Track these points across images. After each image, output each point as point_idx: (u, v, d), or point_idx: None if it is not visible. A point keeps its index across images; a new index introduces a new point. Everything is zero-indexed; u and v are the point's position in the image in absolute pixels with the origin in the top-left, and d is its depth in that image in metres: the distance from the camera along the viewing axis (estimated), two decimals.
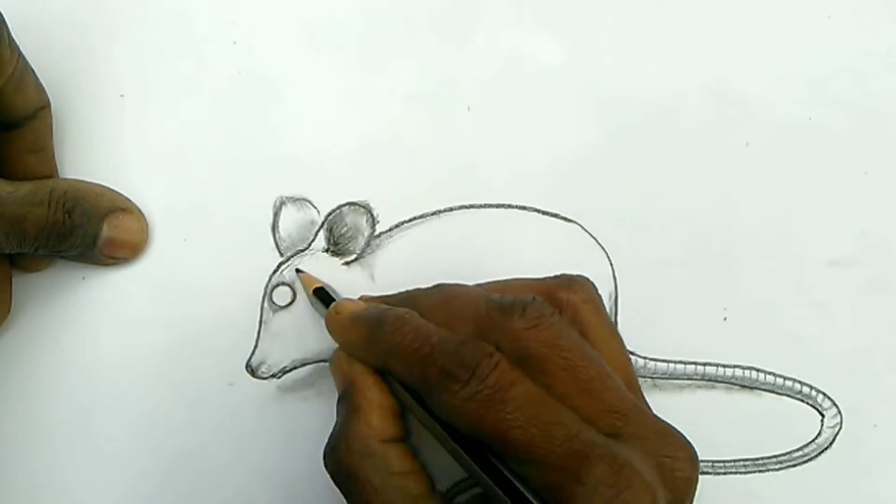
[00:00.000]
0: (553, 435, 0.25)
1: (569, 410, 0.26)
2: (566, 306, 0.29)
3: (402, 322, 0.28)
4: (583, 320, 0.29)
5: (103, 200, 0.34)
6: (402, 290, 0.32)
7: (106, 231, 0.34)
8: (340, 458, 0.29)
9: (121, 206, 0.34)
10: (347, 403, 0.30)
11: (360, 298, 0.33)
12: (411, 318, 0.29)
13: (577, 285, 0.30)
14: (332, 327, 0.31)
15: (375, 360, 0.29)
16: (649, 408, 0.29)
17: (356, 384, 0.30)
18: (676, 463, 0.26)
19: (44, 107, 0.33)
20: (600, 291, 0.36)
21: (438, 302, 0.30)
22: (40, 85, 0.33)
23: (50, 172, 0.34)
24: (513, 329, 0.27)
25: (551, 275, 0.31)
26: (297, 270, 0.35)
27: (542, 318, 0.28)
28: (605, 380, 0.27)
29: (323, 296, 0.33)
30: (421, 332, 0.28)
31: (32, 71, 0.32)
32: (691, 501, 0.27)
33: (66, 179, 0.35)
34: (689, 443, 0.27)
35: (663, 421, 0.28)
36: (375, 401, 0.29)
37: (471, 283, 0.35)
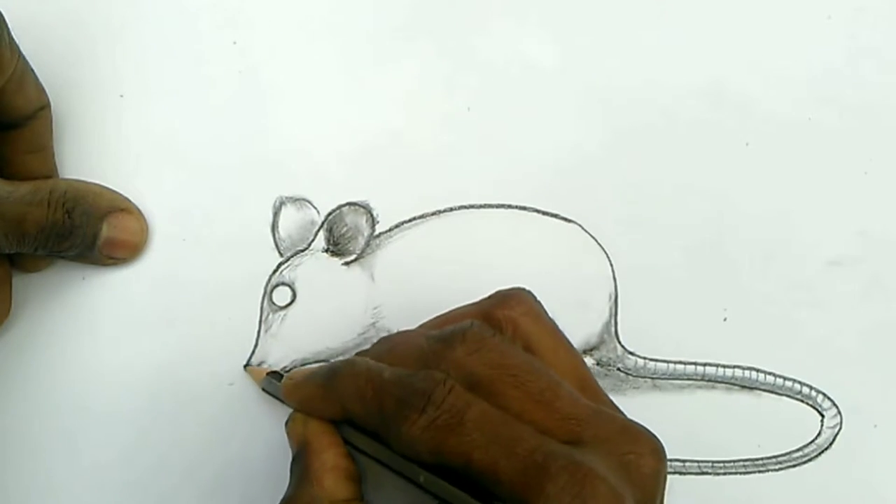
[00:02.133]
0: (514, 451, 0.25)
1: (526, 425, 0.26)
2: (505, 323, 0.29)
3: (354, 365, 0.28)
4: (524, 333, 0.29)
5: (103, 200, 0.34)
6: (402, 289, 0.32)
7: (106, 231, 0.34)
8: None
9: (120, 206, 0.34)
10: (301, 465, 0.29)
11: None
12: (362, 361, 0.29)
13: (512, 300, 0.30)
14: (288, 391, 0.31)
15: (333, 409, 0.29)
16: (613, 405, 0.29)
17: (311, 445, 0.29)
18: (641, 459, 0.26)
19: (44, 107, 0.33)
20: (600, 291, 0.36)
21: (384, 351, 0.30)
22: (40, 85, 0.33)
23: (49, 172, 0.34)
24: (456, 358, 0.27)
25: (487, 296, 0.31)
26: (246, 365, 0.35)
27: (483, 341, 0.28)
28: (556, 388, 0.27)
29: (275, 377, 0.33)
30: (373, 371, 0.28)
31: (32, 71, 0.32)
32: (662, 494, 0.27)
33: (65, 179, 0.35)
34: (652, 436, 0.27)
35: (624, 417, 0.28)
36: (330, 462, 0.29)
37: (470, 283, 0.35)
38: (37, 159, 0.34)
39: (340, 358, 0.35)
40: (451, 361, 0.27)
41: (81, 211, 0.33)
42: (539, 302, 0.30)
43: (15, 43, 0.31)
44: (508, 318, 0.29)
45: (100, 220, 0.33)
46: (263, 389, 0.34)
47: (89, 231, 0.33)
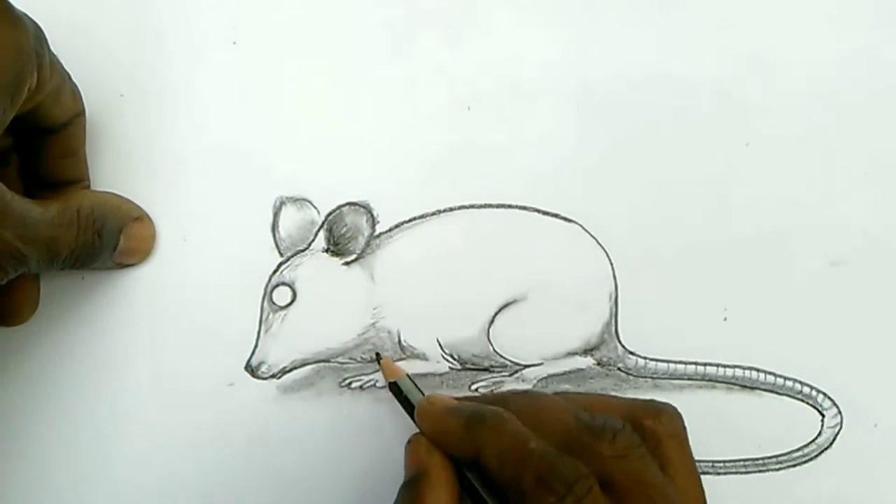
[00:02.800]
0: None
1: None
2: (650, 436, 0.30)
3: (502, 420, 0.29)
4: (665, 455, 0.30)
5: (121, 213, 0.34)
6: (402, 289, 0.32)
7: (122, 242, 0.34)
8: None
9: (134, 216, 0.34)
10: (414, 493, 0.29)
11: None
12: (510, 419, 0.29)
13: (665, 416, 0.31)
14: (424, 416, 0.31)
15: (466, 452, 0.29)
16: None
17: (429, 476, 0.29)
18: None
19: (79, 114, 0.33)
20: (600, 291, 0.36)
21: (529, 408, 0.30)
22: (77, 92, 0.33)
23: (81, 176, 0.34)
24: (601, 454, 0.28)
25: (640, 399, 0.31)
26: (377, 355, 0.35)
27: (630, 449, 0.28)
28: None
29: (406, 384, 0.33)
30: (520, 434, 0.28)
31: (69, 77, 0.32)
32: None
33: (87, 193, 0.34)
34: None
35: None
36: (442, 499, 0.29)
37: (470, 284, 0.36)
38: (70, 164, 0.34)
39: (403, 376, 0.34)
40: (594, 455, 0.28)
41: (108, 229, 0.33)
42: (685, 427, 0.31)
43: (56, 59, 0.31)
44: (654, 433, 0.30)
45: (119, 233, 0.33)
46: (390, 386, 0.33)
47: (111, 245, 0.33)
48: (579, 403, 0.31)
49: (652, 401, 0.31)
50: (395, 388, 0.33)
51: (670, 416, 0.31)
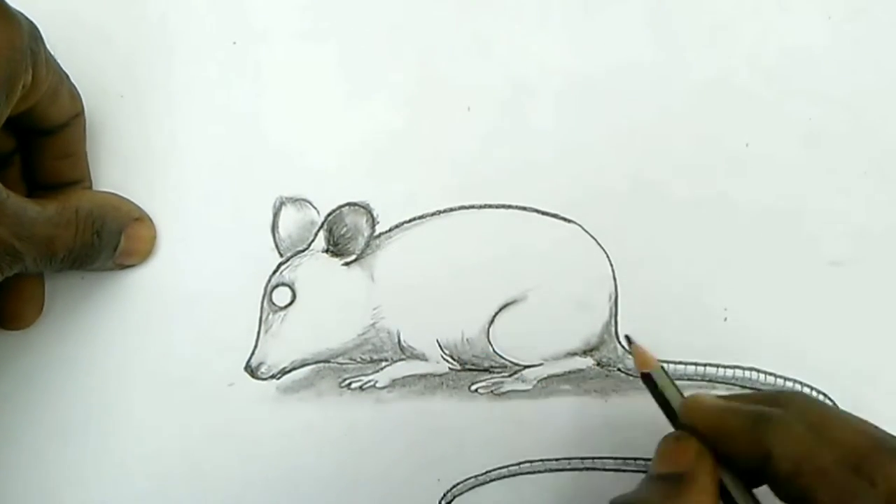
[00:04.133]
0: None
1: None
2: None
3: (791, 424, 0.28)
4: None
5: (121, 214, 0.34)
6: (402, 289, 0.32)
7: (122, 243, 0.34)
8: None
9: (135, 216, 0.34)
10: (675, 489, 0.29)
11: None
12: (797, 424, 0.28)
13: None
14: (694, 412, 0.30)
15: (754, 453, 0.28)
16: None
17: (698, 480, 0.29)
18: None
19: (78, 114, 0.33)
20: (600, 291, 0.36)
21: (813, 417, 0.29)
22: (75, 92, 0.33)
23: (82, 177, 0.34)
24: (893, 476, 0.27)
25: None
26: (627, 338, 0.32)
27: None
28: None
29: (661, 379, 0.31)
30: (814, 446, 0.28)
31: (68, 78, 0.32)
32: None
33: (86, 193, 0.34)
34: None
35: None
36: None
37: (470, 284, 0.36)
38: (70, 165, 0.34)
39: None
40: (887, 477, 0.27)
41: (108, 230, 0.33)
42: None
43: (52, 59, 0.31)
44: None
45: (119, 234, 0.33)
46: (643, 376, 0.31)
47: (111, 246, 0.33)
48: (857, 420, 0.30)
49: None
50: (647, 379, 0.31)
51: None
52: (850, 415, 0.31)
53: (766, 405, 0.30)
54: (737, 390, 0.36)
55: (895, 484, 0.27)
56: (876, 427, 0.30)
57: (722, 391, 0.36)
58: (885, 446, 0.28)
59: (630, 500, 0.29)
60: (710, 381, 0.36)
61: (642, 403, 0.35)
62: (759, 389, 0.36)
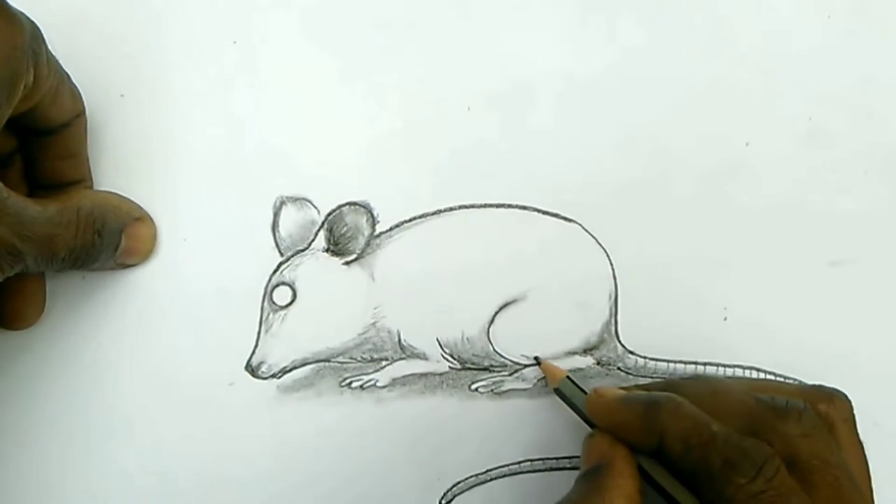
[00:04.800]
0: None
1: None
2: (824, 420, 0.30)
3: (679, 405, 0.29)
4: (838, 438, 0.30)
5: (121, 213, 0.34)
6: (402, 289, 0.32)
7: (123, 242, 0.34)
8: None
9: (135, 216, 0.34)
10: (595, 481, 0.29)
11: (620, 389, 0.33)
12: (686, 403, 0.29)
13: (838, 401, 0.31)
14: (596, 409, 0.31)
15: (648, 439, 0.29)
16: None
17: (613, 467, 0.29)
18: None
19: (79, 114, 0.33)
20: (600, 291, 0.36)
21: (705, 393, 0.30)
22: (76, 92, 0.33)
23: (83, 177, 0.34)
24: (786, 433, 0.28)
25: (808, 383, 0.32)
26: (536, 359, 0.35)
27: (816, 429, 0.28)
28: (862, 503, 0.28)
29: (567, 387, 0.33)
30: (699, 418, 0.28)
31: (69, 78, 0.32)
32: None
33: (87, 193, 0.34)
34: None
35: None
36: (627, 489, 0.29)
37: (470, 283, 0.36)
38: (71, 165, 0.34)
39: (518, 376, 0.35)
40: (780, 434, 0.28)
41: (109, 230, 0.33)
42: (854, 414, 0.31)
43: (53, 59, 0.31)
44: (829, 416, 0.30)
45: (120, 234, 0.33)
46: (556, 391, 0.33)
47: (112, 246, 0.33)
48: (751, 387, 0.31)
49: (822, 386, 0.32)
50: (559, 392, 0.33)
51: (842, 400, 0.31)
52: (746, 381, 0.32)
53: (663, 390, 0.30)
54: None
55: (791, 441, 0.28)
56: (775, 386, 0.31)
57: None
58: (775, 407, 0.29)
59: (568, 501, 0.29)
60: None
61: None
62: None
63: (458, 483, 0.35)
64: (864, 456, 0.31)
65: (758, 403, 0.29)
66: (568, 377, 0.33)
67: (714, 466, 0.27)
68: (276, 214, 0.36)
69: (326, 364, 0.36)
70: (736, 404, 0.29)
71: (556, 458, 0.36)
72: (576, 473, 0.35)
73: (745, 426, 0.29)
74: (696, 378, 0.32)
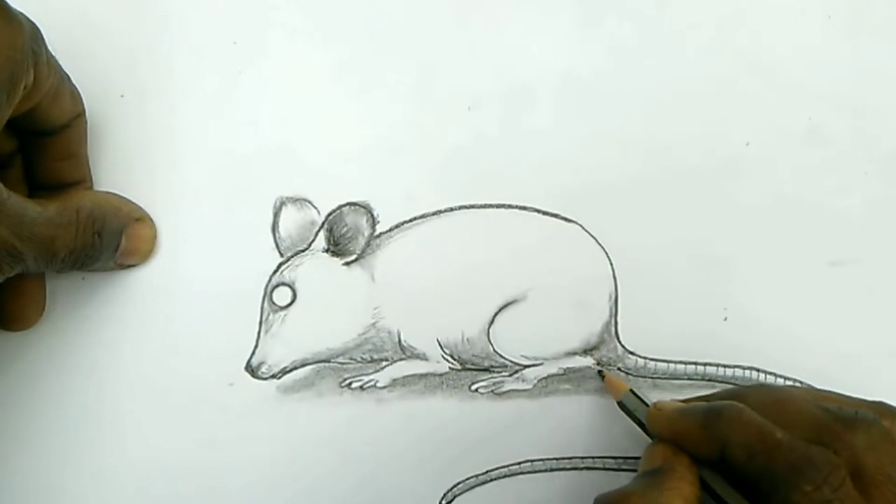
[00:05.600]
0: None
1: None
2: (888, 435, 0.29)
3: (741, 412, 0.29)
4: None
5: (121, 214, 0.34)
6: (402, 289, 0.32)
7: (123, 243, 0.34)
8: None
9: (136, 217, 0.34)
10: (655, 478, 0.29)
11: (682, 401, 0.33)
12: (747, 410, 0.29)
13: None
14: (657, 422, 0.31)
15: (710, 448, 0.29)
16: None
17: (675, 470, 0.29)
18: None
19: (79, 115, 0.33)
20: (600, 291, 0.36)
21: (769, 401, 0.30)
22: (76, 93, 0.33)
23: (82, 178, 0.34)
24: (853, 444, 0.28)
25: (868, 399, 0.31)
26: (600, 372, 0.36)
27: (884, 442, 0.28)
28: None
29: (633, 397, 0.33)
30: (763, 425, 0.28)
31: (69, 79, 0.32)
32: None
33: (87, 194, 0.34)
34: None
35: None
36: (685, 492, 0.29)
37: (470, 283, 0.36)
38: (71, 166, 0.34)
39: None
40: (847, 447, 0.28)
41: (108, 230, 0.33)
42: None
43: (54, 59, 0.31)
44: (892, 432, 0.29)
45: (120, 234, 0.33)
46: (619, 404, 0.34)
47: (112, 246, 0.33)
48: (813, 396, 0.31)
49: (882, 402, 0.31)
50: (622, 405, 0.33)
51: None
52: (809, 391, 0.32)
53: (725, 399, 0.30)
54: None
55: (857, 453, 0.27)
56: (837, 398, 0.31)
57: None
58: (843, 417, 0.28)
59: (614, 493, 0.29)
60: (710, 380, 0.36)
61: None
62: None
63: (458, 483, 0.35)
64: None
65: (824, 412, 0.29)
66: (631, 390, 0.33)
67: (779, 473, 0.27)
68: (276, 215, 0.36)
69: (326, 364, 0.36)
70: (800, 413, 0.29)
71: (556, 459, 0.36)
72: (574, 473, 0.35)
73: (810, 435, 0.28)
74: (759, 386, 0.32)
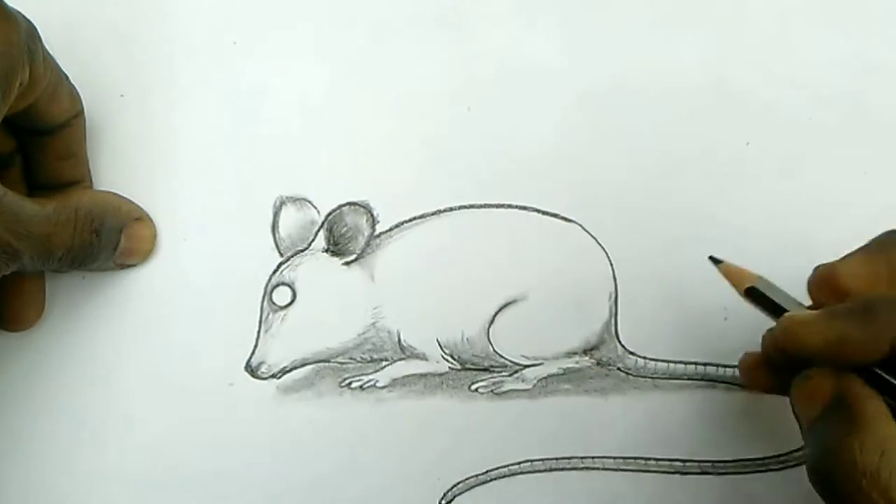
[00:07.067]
0: None
1: None
2: None
3: None
4: None
5: (121, 213, 0.34)
6: (402, 289, 0.32)
7: (123, 242, 0.34)
8: (850, 472, 0.25)
9: (135, 216, 0.34)
10: (845, 414, 0.26)
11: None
12: None
13: None
14: (800, 333, 0.28)
15: (877, 347, 0.26)
16: None
17: (854, 393, 0.27)
18: None
19: (77, 114, 0.33)
20: (600, 291, 0.36)
21: None
22: (75, 92, 0.33)
23: (81, 178, 0.34)
24: None
25: None
26: (714, 259, 0.31)
27: None
28: None
29: (760, 297, 0.30)
30: None
31: (67, 78, 0.32)
32: None
33: (86, 193, 0.34)
34: None
35: None
36: (883, 408, 0.26)
37: (470, 283, 0.36)
38: (70, 165, 0.34)
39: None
40: None
41: (107, 229, 0.33)
42: None
43: (49, 57, 0.31)
44: None
45: (119, 234, 0.33)
46: (748, 294, 0.30)
47: (111, 246, 0.33)
48: None
49: None
50: (754, 292, 0.30)
51: None
52: None
53: (865, 297, 0.27)
54: (737, 390, 0.36)
55: None
56: None
57: (722, 391, 0.36)
58: None
59: (817, 454, 0.27)
60: (710, 380, 0.36)
61: (642, 403, 0.36)
62: None
63: (458, 483, 0.35)
64: None
65: None
66: (762, 278, 0.30)
67: None
68: (276, 214, 0.36)
69: (326, 364, 0.36)
70: None
71: (556, 459, 0.35)
72: (575, 473, 0.35)
73: None
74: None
